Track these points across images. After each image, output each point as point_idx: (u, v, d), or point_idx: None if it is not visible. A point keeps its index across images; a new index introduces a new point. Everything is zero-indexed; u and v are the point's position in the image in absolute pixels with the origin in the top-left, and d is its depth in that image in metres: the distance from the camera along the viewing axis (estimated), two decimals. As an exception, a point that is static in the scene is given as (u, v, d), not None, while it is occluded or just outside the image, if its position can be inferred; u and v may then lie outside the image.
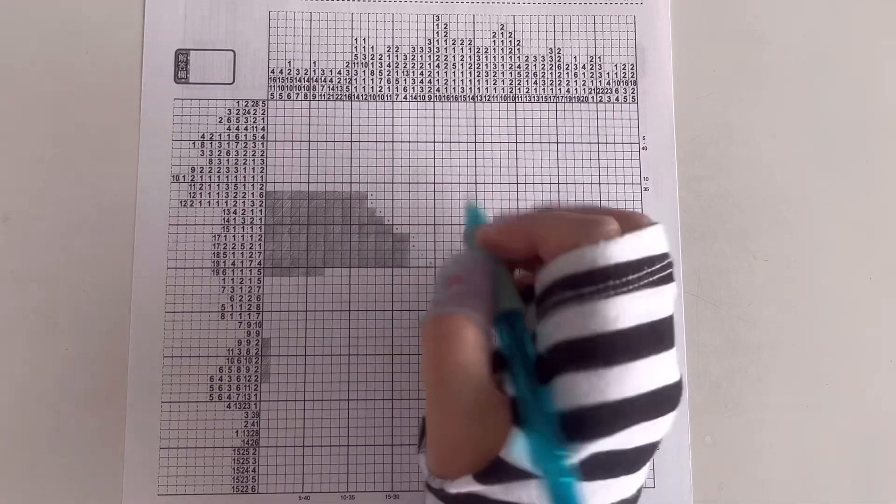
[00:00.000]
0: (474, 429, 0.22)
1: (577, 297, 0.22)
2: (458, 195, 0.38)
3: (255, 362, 0.36)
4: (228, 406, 0.35)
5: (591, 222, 0.23)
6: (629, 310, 0.22)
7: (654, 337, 0.22)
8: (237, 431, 0.35)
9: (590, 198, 0.38)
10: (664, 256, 0.23)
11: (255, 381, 0.36)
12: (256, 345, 0.36)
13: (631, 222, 0.23)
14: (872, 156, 0.39)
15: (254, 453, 0.35)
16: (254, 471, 0.35)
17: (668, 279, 0.23)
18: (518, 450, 0.21)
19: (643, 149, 0.38)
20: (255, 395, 0.35)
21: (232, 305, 0.36)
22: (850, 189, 0.39)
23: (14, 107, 0.37)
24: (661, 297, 0.22)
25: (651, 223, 0.23)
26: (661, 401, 0.22)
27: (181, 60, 0.38)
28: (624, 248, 0.22)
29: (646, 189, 0.38)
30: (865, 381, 0.37)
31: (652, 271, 0.22)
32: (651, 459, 0.24)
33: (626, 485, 0.23)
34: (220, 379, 0.36)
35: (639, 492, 0.24)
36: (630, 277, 0.22)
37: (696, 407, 0.36)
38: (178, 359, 0.36)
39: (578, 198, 0.38)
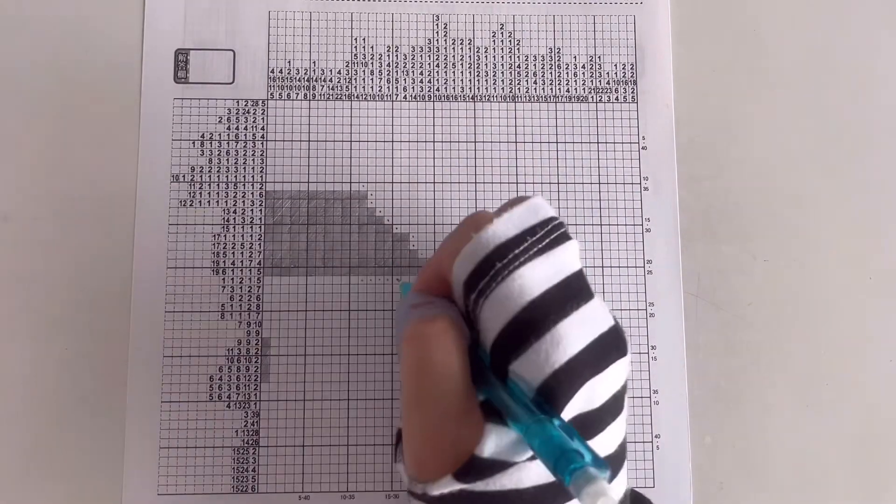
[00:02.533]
0: (454, 429, 0.22)
1: (480, 293, 0.23)
2: (458, 195, 0.38)
3: (255, 362, 0.36)
4: (228, 406, 0.35)
5: (463, 225, 0.24)
6: (529, 280, 0.23)
7: (567, 294, 0.23)
8: (237, 431, 0.35)
9: (590, 198, 0.38)
10: (546, 222, 0.24)
11: (255, 380, 0.36)
12: (256, 344, 0.36)
13: (508, 205, 0.24)
14: (872, 156, 0.39)
15: (254, 453, 0.35)
16: (254, 470, 0.35)
17: (561, 239, 0.24)
18: (492, 445, 0.22)
19: (643, 149, 0.38)
20: (255, 394, 0.35)
21: (232, 305, 0.36)
22: (850, 189, 0.38)
23: (14, 107, 0.37)
24: (557, 258, 0.23)
25: (524, 199, 0.24)
26: (603, 349, 0.23)
27: (181, 60, 0.38)
28: (496, 231, 0.23)
29: (646, 189, 0.38)
30: (865, 381, 0.37)
31: (537, 239, 0.23)
32: (621, 415, 0.24)
33: (602, 444, 0.24)
34: (220, 379, 0.36)
35: (622, 448, 0.25)
36: (515, 252, 0.23)
37: (696, 407, 0.36)
38: (177, 358, 0.36)
39: (578, 198, 0.38)
